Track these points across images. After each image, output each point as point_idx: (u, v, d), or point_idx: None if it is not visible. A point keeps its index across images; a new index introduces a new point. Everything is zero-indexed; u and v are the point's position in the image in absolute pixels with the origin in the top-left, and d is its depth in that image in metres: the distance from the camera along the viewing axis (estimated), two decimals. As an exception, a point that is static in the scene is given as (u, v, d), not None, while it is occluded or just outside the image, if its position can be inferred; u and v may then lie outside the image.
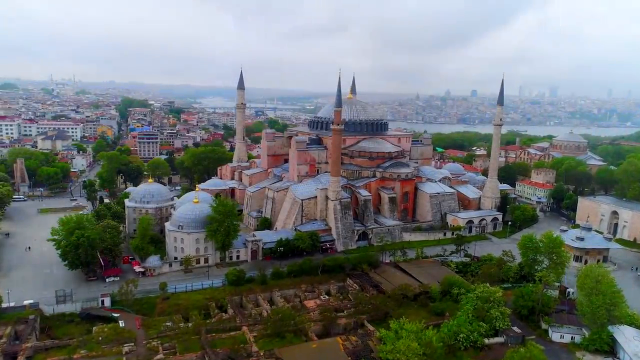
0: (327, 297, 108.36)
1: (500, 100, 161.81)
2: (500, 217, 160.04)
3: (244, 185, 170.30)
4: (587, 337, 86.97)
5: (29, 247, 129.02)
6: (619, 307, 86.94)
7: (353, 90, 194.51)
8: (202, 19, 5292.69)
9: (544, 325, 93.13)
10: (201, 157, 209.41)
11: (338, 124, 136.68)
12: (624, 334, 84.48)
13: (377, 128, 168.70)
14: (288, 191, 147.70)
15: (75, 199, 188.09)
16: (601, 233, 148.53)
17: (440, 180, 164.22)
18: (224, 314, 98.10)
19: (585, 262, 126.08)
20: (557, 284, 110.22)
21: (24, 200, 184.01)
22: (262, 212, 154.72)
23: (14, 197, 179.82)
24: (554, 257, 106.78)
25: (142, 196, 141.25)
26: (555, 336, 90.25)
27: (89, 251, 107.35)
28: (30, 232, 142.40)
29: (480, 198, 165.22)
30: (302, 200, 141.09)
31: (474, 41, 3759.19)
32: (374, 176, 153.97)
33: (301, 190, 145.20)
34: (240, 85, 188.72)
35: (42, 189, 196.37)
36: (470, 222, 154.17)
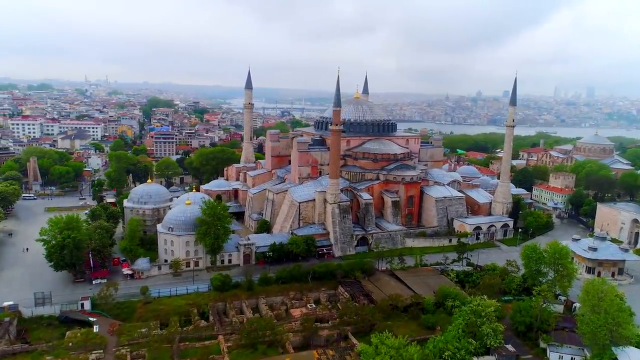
0: (314, 305, 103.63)
1: (513, 100, 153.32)
2: (511, 223, 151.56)
3: (247, 186, 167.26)
4: (588, 358, 79.47)
5: (27, 249, 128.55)
6: (624, 327, 79.00)
7: (365, 89, 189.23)
8: (233, 20, 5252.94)
9: (542, 344, 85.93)
10: (209, 158, 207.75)
11: (337, 125, 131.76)
12: (629, 357, 76.71)
13: (384, 129, 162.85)
14: (287, 193, 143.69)
15: (84, 198, 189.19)
16: (620, 243, 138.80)
17: (449, 184, 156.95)
18: (203, 321, 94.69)
19: (598, 274, 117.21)
20: (563, 298, 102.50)
21: (34, 199, 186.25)
22: (262, 215, 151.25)
23: (25, 195, 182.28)
24: (560, 269, 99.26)
25: (140, 196, 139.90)
26: (553, 356, 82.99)
27: (75, 252, 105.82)
28: (32, 231, 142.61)
29: (491, 203, 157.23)
30: (299, 202, 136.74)
31: (506, 41, 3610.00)
32: (378, 179, 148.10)
33: (299, 192, 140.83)
34: (248, 85, 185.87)
35: (53, 188, 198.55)
36: (478, 228, 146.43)
